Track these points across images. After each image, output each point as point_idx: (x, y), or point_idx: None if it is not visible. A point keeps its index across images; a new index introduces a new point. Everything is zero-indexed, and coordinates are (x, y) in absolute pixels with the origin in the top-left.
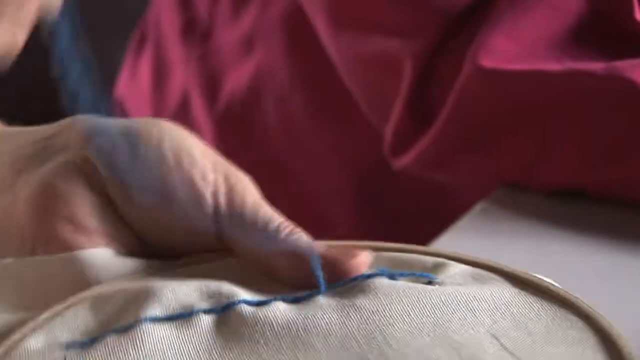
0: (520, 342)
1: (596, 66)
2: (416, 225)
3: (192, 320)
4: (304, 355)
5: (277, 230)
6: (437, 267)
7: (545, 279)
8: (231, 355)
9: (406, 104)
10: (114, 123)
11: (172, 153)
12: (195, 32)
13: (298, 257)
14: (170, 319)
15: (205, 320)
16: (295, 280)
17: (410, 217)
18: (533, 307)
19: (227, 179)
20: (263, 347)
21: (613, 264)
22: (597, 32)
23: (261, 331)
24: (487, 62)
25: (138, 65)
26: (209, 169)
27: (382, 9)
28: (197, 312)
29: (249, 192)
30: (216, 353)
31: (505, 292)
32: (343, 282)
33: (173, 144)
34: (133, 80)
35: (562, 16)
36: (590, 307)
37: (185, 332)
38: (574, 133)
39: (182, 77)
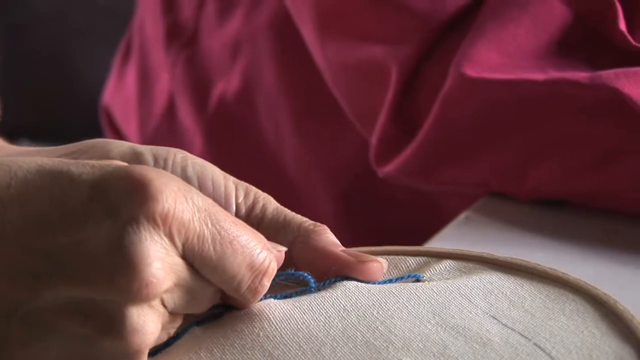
0: (520, 320)
1: (580, 75)
2: (402, 234)
3: (187, 335)
4: (308, 346)
5: (299, 227)
6: (421, 267)
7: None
8: (233, 350)
9: (391, 111)
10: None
11: (196, 176)
12: (180, 37)
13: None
14: (168, 345)
15: (199, 330)
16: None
17: (397, 226)
18: (524, 287)
19: (247, 195)
20: (264, 339)
21: (598, 272)
22: (581, 42)
23: (260, 325)
24: (471, 71)
25: (125, 71)
26: (231, 189)
27: (369, 16)
28: (191, 328)
29: (270, 203)
30: (218, 352)
31: (494, 277)
32: (330, 282)
33: (197, 169)
34: (120, 87)
35: (545, 27)
36: (580, 280)
37: (182, 344)
38: (558, 142)
39: (168, 83)
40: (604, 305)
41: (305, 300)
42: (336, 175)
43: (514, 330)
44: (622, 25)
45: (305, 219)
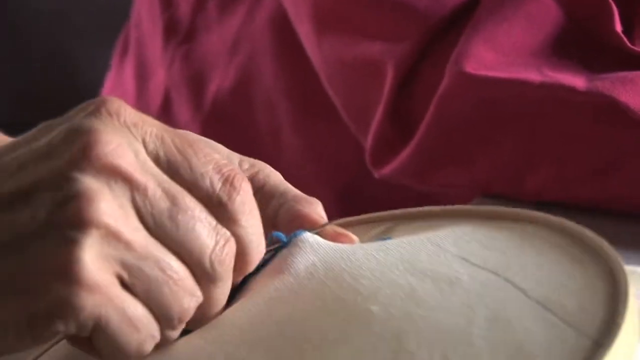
0: (490, 258)
1: (577, 82)
2: None
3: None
4: (277, 309)
5: (293, 196)
6: (388, 230)
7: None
8: (226, 346)
9: (387, 110)
10: None
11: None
12: (178, 33)
13: None
14: None
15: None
16: None
17: None
18: (495, 229)
19: (252, 165)
20: (248, 333)
21: None
22: (577, 42)
23: (239, 320)
24: (469, 67)
25: (122, 67)
26: (235, 157)
27: (366, 13)
28: None
29: (275, 174)
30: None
31: (466, 226)
32: (299, 233)
33: (194, 136)
34: (118, 83)
35: (541, 26)
36: (548, 215)
37: None
38: (556, 145)
39: (164, 78)
40: (573, 236)
41: (277, 262)
42: (334, 173)
43: (484, 268)
44: (618, 27)
45: (302, 193)
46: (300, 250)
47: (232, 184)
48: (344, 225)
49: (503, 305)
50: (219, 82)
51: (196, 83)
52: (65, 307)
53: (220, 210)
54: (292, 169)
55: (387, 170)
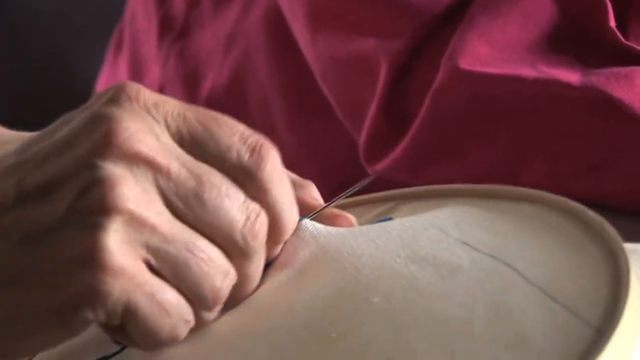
0: (490, 242)
1: (572, 77)
2: None
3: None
4: (280, 303)
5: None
6: (390, 210)
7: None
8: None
9: (381, 107)
10: None
11: None
12: (172, 30)
13: None
14: None
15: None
16: None
17: None
18: (495, 210)
19: None
20: (267, 329)
21: None
22: (572, 38)
23: (249, 319)
24: (463, 63)
25: (117, 63)
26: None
27: (360, 10)
28: None
29: None
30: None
31: (467, 206)
32: (300, 218)
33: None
34: (113, 79)
35: (536, 21)
36: (546, 193)
37: None
38: (549, 142)
39: (159, 75)
40: (574, 215)
41: (279, 253)
42: (329, 170)
43: (485, 253)
44: (612, 23)
45: (296, 175)
46: (301, 240)
47: (259, 154)
48: (344, 207)
49: (504, 292)
50: (213, 79)
51: (191, 80)
52: (92, 294)
53: (249, 181)
54: (286, 166)
55: (380, 166)
